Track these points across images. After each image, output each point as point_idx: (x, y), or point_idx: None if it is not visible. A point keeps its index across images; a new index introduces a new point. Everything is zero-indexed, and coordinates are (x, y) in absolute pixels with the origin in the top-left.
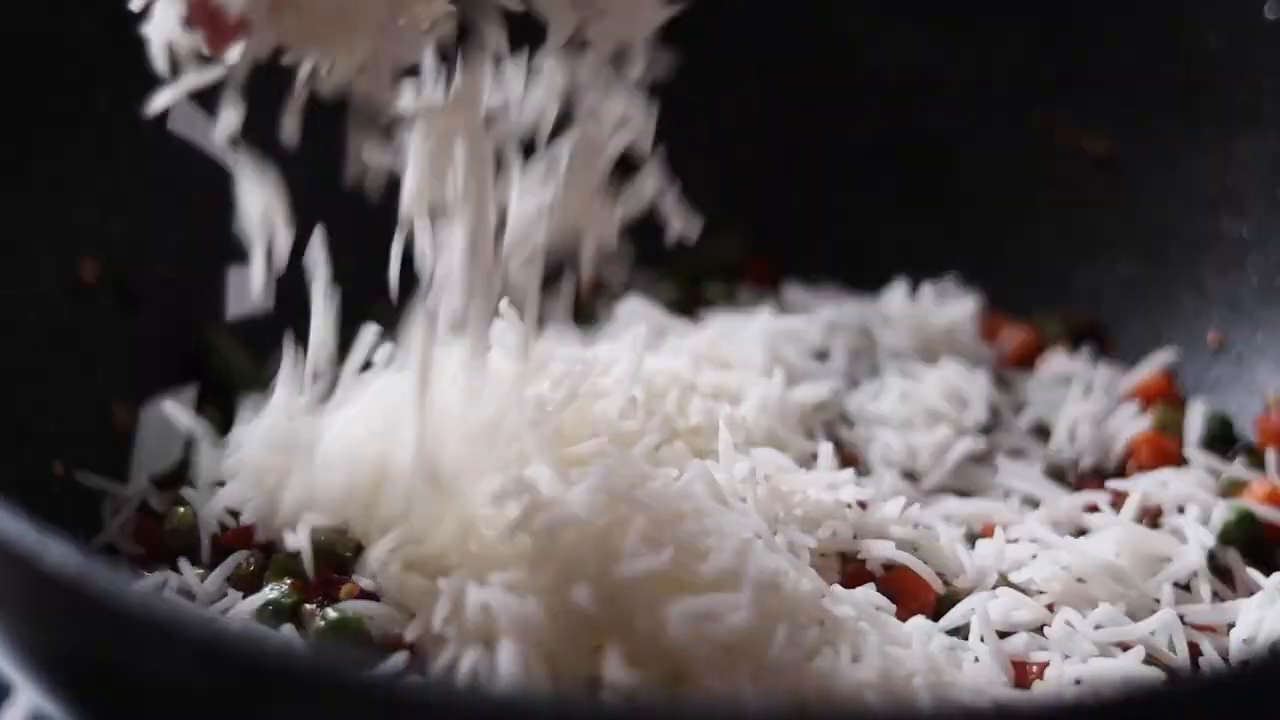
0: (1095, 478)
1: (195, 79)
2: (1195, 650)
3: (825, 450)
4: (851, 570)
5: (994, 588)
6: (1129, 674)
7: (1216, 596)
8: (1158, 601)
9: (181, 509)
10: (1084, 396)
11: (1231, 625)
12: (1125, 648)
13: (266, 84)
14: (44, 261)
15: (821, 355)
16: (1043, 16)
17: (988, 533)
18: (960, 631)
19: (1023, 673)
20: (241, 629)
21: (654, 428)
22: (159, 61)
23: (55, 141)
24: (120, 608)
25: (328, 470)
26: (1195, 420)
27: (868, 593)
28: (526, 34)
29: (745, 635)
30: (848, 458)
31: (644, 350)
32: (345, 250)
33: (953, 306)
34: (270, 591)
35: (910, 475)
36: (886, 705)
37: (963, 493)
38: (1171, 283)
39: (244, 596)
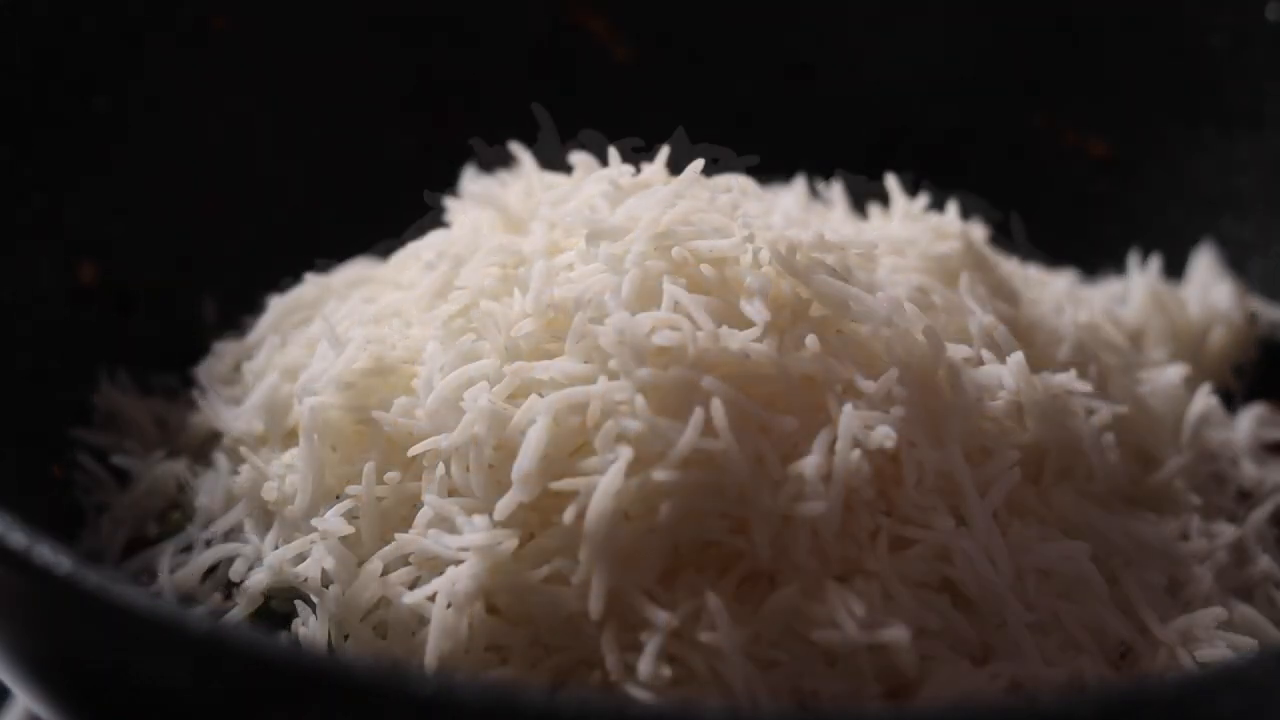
0: None
1: None
2: None
3: None
4: None
5: None
6: None
7: None
8: None
9: (175, 514)
10: None
11: None
12: None
13: None
14: (43, 265)
15: None
16: (1044, 17)
17: None
18: None
19: None
20: (242, 629)
21: None
22: None
23: (53, 145)
24: (118, 609)
25: None
26: None
27: None
28: None
29: None
30: None
31: None
32: None
33: None
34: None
35: None
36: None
37: None
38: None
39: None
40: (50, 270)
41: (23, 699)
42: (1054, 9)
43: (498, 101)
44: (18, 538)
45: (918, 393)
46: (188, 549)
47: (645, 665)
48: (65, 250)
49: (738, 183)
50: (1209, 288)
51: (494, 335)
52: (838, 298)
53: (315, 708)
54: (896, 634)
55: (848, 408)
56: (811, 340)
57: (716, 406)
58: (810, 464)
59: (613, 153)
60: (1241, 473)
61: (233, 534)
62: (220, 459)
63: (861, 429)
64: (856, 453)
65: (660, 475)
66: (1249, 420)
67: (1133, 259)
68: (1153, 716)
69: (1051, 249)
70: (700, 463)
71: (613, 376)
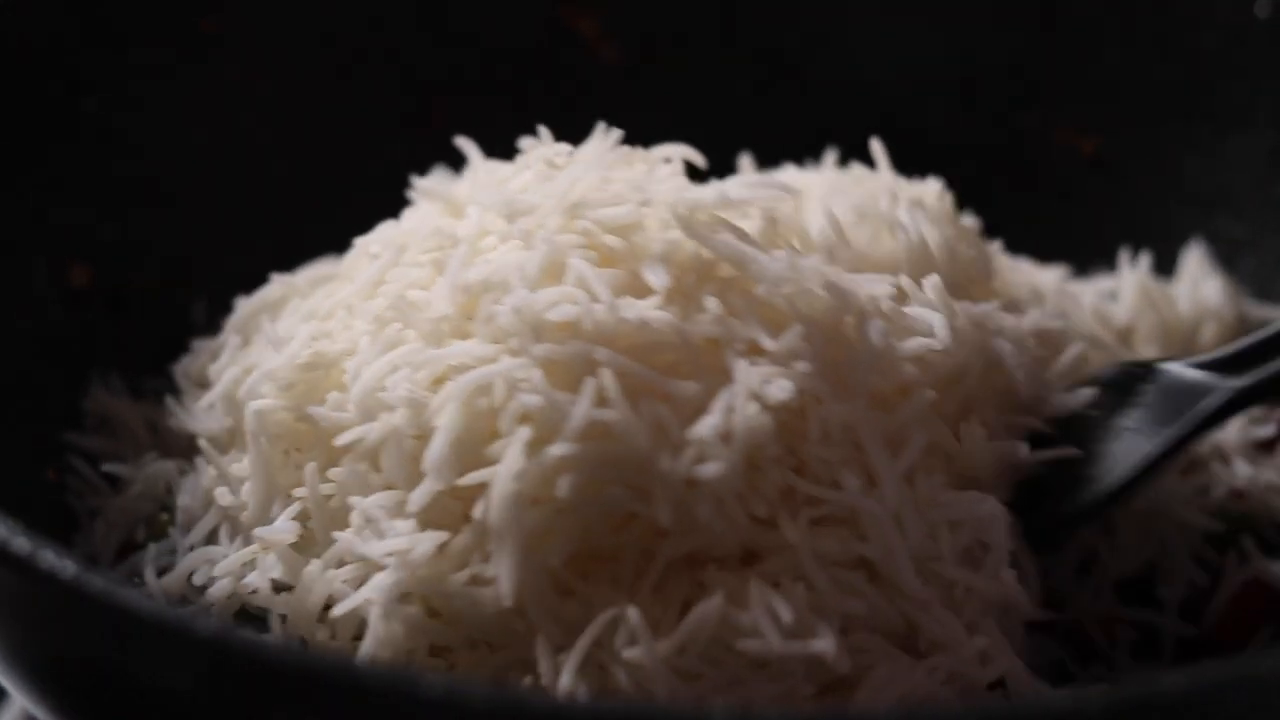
0: None
1: None
2: None
3: None
4: None
5: None
6: None
7: None
8: None
9: (164, 516)
10: None
11: None
12: None
13: None
14: (35, 268)
15: None
16: (1036, 16)
17: None
18: None
19: None
20: (248, 632)
21: None
22: None
23: (43, 147)
24: (124, 612)
25: None
26: None
27: None
28: None
29: None
30: None
31: None
32: None
33: None
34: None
35: None
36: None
37: None
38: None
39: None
40: (43, 273)
41: (20, 701)
42: (1046, 7)
43: (488, 103)
44: (21, 543)
45: (824, 346)
46: (174, 552)
47: (565, 680)
48: (57, 253)
49: (677, 152)
50: (1199, 284)
51: (418, 322)
52: (739, 257)
53: (323, 709)
54: (823, 645)
55: (743, 364)
56: (712, 303)
57: (606, 376)
58: (708, 425)
59: (543, 131)
60: (1234, 471)
61: (213, 537)
62: (201, 460)
63: (760, 384)
64: (754, 408)
65: (557, 450)
66: (1239, 418)
67: (1123, 256)
68: (1160, 715)
69: (1042, 246)
70: (598, 434)
71: (515, 355)
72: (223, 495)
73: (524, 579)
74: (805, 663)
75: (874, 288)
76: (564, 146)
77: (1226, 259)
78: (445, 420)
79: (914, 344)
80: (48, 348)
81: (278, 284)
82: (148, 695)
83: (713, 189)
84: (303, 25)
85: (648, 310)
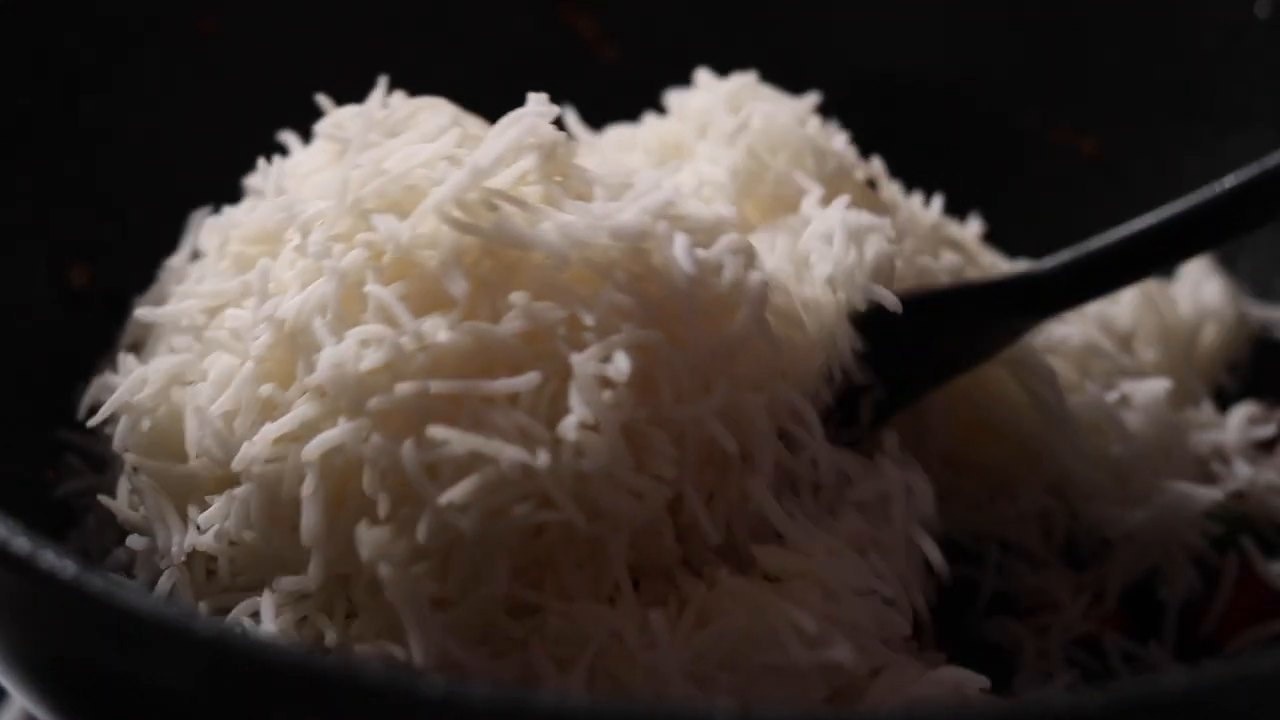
0: None
1: None
2: None
3: None
4: None
5: None
6: None
7: None
8: None
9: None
10: None
11: None
12: None
13: None
14: (35, 269)
15: None
16: (1038, 17)
17: None
18: None
19: None
20: (250, 633)
21: None
22: None
23: (43, 147)
24: (123, 611)
25: None
26: None
27: None
28: None
29: None
30: None
31: None
32: None
33: None
34: None
35: None
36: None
37: None
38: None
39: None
40: (43, 273)
41: (20, 700)
42: (1046, 7)
43: (488, 103)
44: (21, 543)
45: (640, 288)
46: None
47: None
48: (57, 255)
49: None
50: (1199, 285)
51: (237, 349)
52: (516, 240)
53: (323, 709)
54: (842, 654)
55: (577, 358)
56: (517, 295)
57: (436, 430)
58: (570, 424)
59: (324, 99)
60: (1234, 472)
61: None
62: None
63: (599, 369)
64: (607, 393)
65: (449, 496)
66: (1239, 419)
67: None
68: (1160, 715)
69: (1042, 246)
70: (471, 464)
71: (351, 416)
72: (135, 541)
73: (432, 645)
74: (820, 668)
75: (659, 195)
76: (350, 109)
77: (1226, 259)
78: (309, 491)
79: (725, 242)
80: (48, 348)
81: (169, 273)
82: (148, 695)
83: (473, 157)
84: (302, 25)
85: (455, 325)
